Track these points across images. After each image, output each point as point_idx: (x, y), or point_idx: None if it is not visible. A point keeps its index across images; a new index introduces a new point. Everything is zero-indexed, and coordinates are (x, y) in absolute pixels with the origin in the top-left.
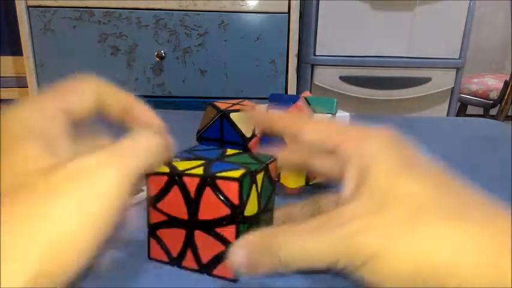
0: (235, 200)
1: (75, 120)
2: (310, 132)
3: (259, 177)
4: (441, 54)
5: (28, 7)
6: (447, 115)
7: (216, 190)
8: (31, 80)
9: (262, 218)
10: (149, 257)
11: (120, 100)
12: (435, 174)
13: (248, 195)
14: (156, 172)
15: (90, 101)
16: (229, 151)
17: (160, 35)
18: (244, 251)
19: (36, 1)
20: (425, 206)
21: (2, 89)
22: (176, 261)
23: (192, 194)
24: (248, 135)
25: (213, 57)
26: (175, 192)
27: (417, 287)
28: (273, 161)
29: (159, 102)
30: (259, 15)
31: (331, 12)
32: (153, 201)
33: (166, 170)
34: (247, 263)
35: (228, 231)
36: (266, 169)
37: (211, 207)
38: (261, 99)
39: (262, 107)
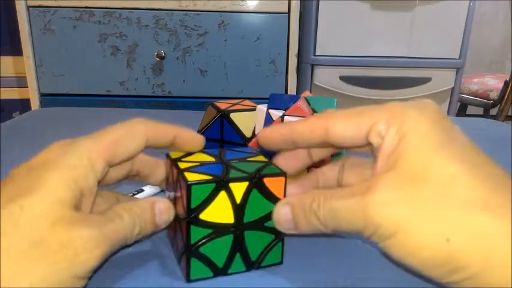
0: (184, 203)
1: (115, 165)
2: (340, 127)
3: (237, 188)
4: (441, 54)
5: (28, 7)
6: (447, 115)
7: (180, 187)
8: (31, 80)
9: (257, 234)
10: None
11: (168, 135)
12: (471, 154)
13: (207, 201)
14: (172, 158)
15: (139, 147)
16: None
17: (160, 35)
18: (288, 208)
19: (36, 1)
20: (455, 189)
21: (2, 89)
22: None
23: (175, 181)
24: (248, 135)
25: (213, 57)
26: (172, 178)
27: (435, 270)
28: (279, 174)
29: (159, 102)
30: (259, 15)
31: (331, 12)
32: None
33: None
34: (292, 220)
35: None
36: (259, 182)
37: (178, 203)
38: (261, 99)
39: (262, 107)
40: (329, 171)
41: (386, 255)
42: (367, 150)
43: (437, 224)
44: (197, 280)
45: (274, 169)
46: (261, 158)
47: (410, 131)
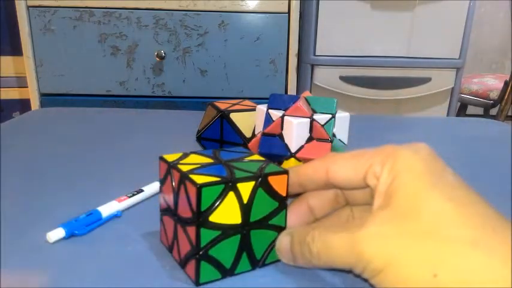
0: (193, 206)
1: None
2: (340, 170)
3: (244, 187)
4: (441, 54)
5: (28, 7)
6: (447, 115)
7: (185, 191)
8: (31, 80)
9: (264, 232)
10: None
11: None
12: (461, 193)
13: (217, 202)
14: (163, 159)
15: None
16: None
17: (160, 35)
18: (288, 239)
19: (36, 1)
20: (445, 224)
21: (2, 89)
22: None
23: (176, 187)
24: (248, 135)
25: (213, 57)
26: (169, 181)
27: None
28: (281, 173)
29: (159, 102)
30: (259, 15)
31: (331, 12)
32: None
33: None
34: (290, 251)
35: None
36: (264, 181)
37: (182, 206)
38: (261, 99)
39: (262, 107)
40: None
41: None
42: (367, 194)
43: (425, 260)
44: (206, 283)
45: (275, 167)
46: (256, 157)
47: (403, 170)
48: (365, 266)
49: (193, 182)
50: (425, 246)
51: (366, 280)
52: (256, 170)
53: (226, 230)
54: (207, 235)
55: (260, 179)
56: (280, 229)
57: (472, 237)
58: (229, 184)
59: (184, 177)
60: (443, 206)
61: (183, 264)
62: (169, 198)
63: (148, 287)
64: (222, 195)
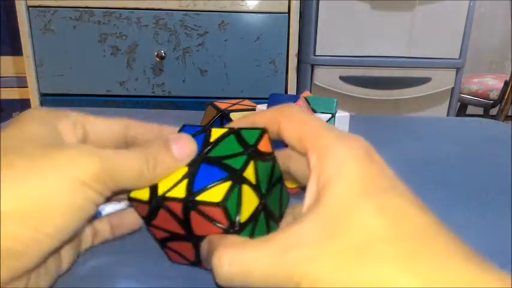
0: (224, 222)
1: (98, 140)
2: (287, 130)
3: (249, 172)
4: (441, 54)
5: (28, 7)
6: (447, 115)
7: (202, 214)
8: (31, 80)
9: (273, 192)
10: (171, 261)
11: (151, 130)
12: (395, 203)
13: (239, 204)
14: (137, 199)
15: (117, 129)
16: (214, 133)
17: (160, 35)
18: (204, 250)
19: (36, 1)
20: (376, 242)
21: (2, 89)
22: (196, 263)
23: (181, 216)
24: None
25: (213, 57)
26: (163, 214)
27: None
28: (262, 135)
29: (159, 102)
30: (259, 15)
31: (331, 12)
32: (147, 223)
33: (147, 194)
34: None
35: None
36: (256, 152)
37: (203, 227)
38: (261, 99)
39: (262, 107)
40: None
41: None
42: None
43: (354, 278)
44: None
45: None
46: (217, 132)
47: (335, 175)
48: (296, 285)
49: (210, 204)
50: (354, 266)
51: None
52: (243, 148)
53: (254, 219)
54: (246, 233)
55: (251, 151)
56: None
57: (402, 255)
58: (235, 179)
59: (192, 202)
60: (374, 221)
61: None
62: (173, 228)
63: (150, 287)
64: (238, 193)
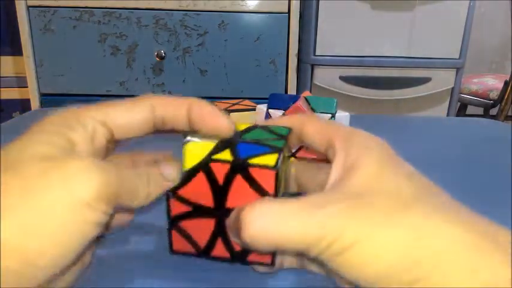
0: (271, 189)
1: (124, 135)
2: (312, 130)
3: (286, 153)
4: (441, 54)
5: (28, 7)
6: (447, 115)
7: (249, 179)
8: (31, 80)
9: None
10: (171, 251)
11: (179, 107)
12: (419, 177)
13: (282, 177)
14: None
15: (142, 117)
16: (239, 126)
17: (160, 35)
18: (232, 217)
19: (36, 1)
20: (409, 200)
21: (2, 89)
22: (204, 252)
23: (221, 181)
24: None
25: (213, 57)
26: (199, 181)
27: (392, 283)
28: (290, 132)
29: None
30: (259, 15)
31: (331, 12)
32: (173, 192)
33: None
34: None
35: None
36: (287, 144)
37: (241, 196)
38: (261, 99)
39: (262, 107)
40: None
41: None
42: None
43: (398, 231)
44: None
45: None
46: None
47: (362, 155)
48: (332, 242)
49: (265, 167)
50: (395, 219)
51: (319, 263)
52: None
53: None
54: None
55: (240, 167)
56: None
57: (442, 210)
58: (280, 153)
59: (240, 166)
60: (408, 185)
61: (243, 255)
62: (202, 199)
63: (151, 287)
64: (282, 166)
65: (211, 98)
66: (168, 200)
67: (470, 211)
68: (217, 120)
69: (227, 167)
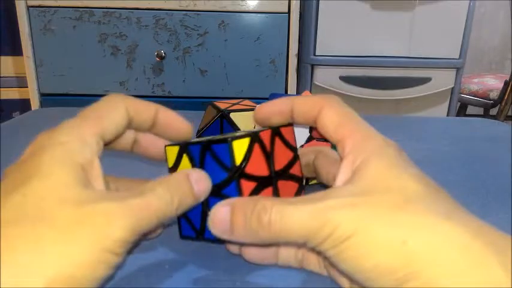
0: (295, 144)
1: (108, 141)
2: (328, 116)
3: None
4: (441, 54)
5: (28, 7)
6: (447, 115)
7: (282, 138)
8: (31, 80)
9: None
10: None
11: (149, 109)
12: (427, 180)
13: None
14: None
15: (122, 120)
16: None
17: (160, 35)
18: (228, 209)
19: (36, 1)
20: (414, 199)
21: (2, 89)
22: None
23: (268, 148)
24: None
25: (213, 57)
26: (256, 152)
27: (387, 277)
28: (286, 125)
29: (159, 102)
30: (259, 15)
31: (331, 12)
32: (240, 174)
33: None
34: (228, 221)
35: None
36: (276, 132)
37: (282, 157)
38: (261, 99)
39: None
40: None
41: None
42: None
43: (395, 227)
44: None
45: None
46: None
47: (374, 151)
48: (330, 232)
49: (286, 125)
50: (396, 215)
51: (319, 253)
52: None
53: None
54: None
55: (275, 128)
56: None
57: (444, 211)
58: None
59: (275, 129)
60: (414, 185)
61: None
62: (262, 169)
63: (154, 287)
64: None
65: (211, 98)
66: (238, 181)
67: (474, 217)
68: (181, 123)
69: (269, 132)
